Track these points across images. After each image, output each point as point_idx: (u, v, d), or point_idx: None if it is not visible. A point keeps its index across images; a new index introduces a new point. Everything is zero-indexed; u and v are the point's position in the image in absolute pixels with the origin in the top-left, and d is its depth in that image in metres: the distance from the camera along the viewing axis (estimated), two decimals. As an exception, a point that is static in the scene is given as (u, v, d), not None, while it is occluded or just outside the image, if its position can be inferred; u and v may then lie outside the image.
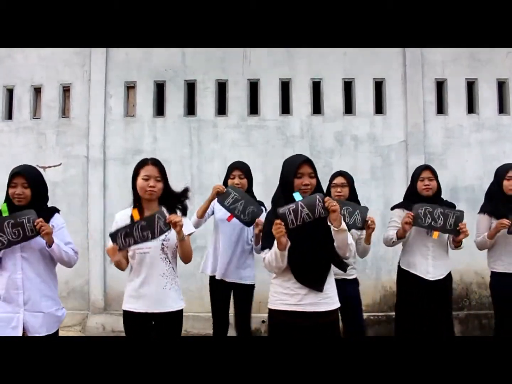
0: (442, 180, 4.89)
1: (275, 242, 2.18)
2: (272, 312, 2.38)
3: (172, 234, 2.46)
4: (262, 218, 2.84)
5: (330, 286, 2.35)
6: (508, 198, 3.30)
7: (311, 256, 2.25)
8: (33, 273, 2.50)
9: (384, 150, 4.89)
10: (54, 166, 5.02)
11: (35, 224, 2.38)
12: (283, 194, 2.33)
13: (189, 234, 2.53)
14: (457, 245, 3.21)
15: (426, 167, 3.35)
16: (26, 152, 5.05)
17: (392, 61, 4.98)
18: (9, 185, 2.50)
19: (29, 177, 2.51)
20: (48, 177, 4.96)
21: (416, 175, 3.34)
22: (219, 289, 3.29)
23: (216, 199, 3.13)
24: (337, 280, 3.19)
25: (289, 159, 2.41)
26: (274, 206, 2.36)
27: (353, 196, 3.26)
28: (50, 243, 2.45)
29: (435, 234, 3.09)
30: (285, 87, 5.06)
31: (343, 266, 2.38)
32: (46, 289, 2.55)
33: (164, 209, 2.47)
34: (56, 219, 2.60)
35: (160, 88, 5.11)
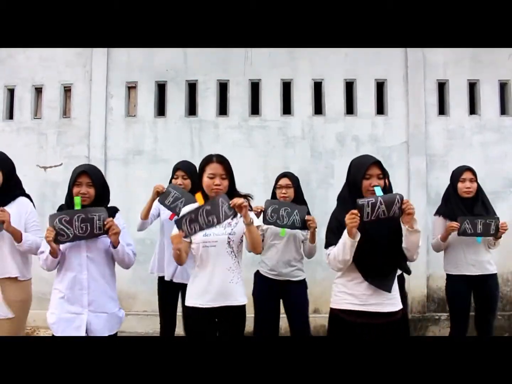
0: (443, 181, 4.89)
1: (343, 234, 2.19)
2: (335, 312, 2.38)
3: (238, 228, 2.43)
4: None
5: (396, 287, 2.36)
6: (463, 200, 3.35)
7: (381, 256, 2.24)
8: (98, 273, 2.46)
9: (385, 151, 4.88)
10: (55, 166, 5.02)
11: (104, 222, 2.35)
12: (350, 194, 2.33)
13: (257, 226, 2.46)
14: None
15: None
16: (27, 152, 5.05)
17: (393, 62, 4.97)
18: (73, 184, 2.44)
19: (94, 176, 2.47)
20: (48, 178, 5.01)
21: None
22: (168, 290, 3.30)
23: (157, 199, 3.16)
24: (283, 282, 3.21)
25: (357, 160, 2.41)
26: (339, 205, 2.38)
27: (298, 197, 3.27)
28: (116, 243, 2.42)
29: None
30: (287, 87, 5.06)
31: (408, 270, 2.39)
32: (109, 290, 2.52)
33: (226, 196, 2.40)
34: (117, 219, 2.53)
35: (161, 89, 5.10)
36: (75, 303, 2.43)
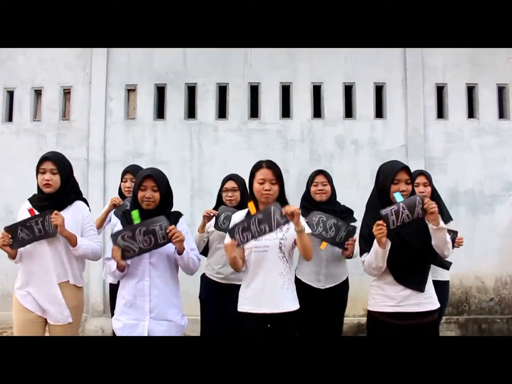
0: (442, 184, 4.93)
1: (374, 243, 2.25)
2: (373, 314, 2.43)
3: (289, 233, 2.43)
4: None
5: (430, 286, 2.40)
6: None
7: (410, 256, 2.30)
8: (160, 280, 2.44)
9: (384, 154, 4.89)
10: (54, 168, 5.02)
11: (167, 231, 2.33)
12: (379, 199, 2.38)
13: (308, 233, 2.45)
14: (348, 256, 3.12)
15: (320, 172, 3.24)
16: (26, 154, 5.04)
17: (392, 65, 4.99)
18: (138, 188, 2.43)
19: (159, 180, 2.44)
20: (48, 180, 4.99)
21: (309, 180, 3.26)
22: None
23: (113, 211, 3.20)
24: (228, 285, 3.18)
25: (386, 165, 2.46)
26: (369, 211, 2.43)
27: (244, 200, 3.21)
28: (181, 250, 2.39)
29: (323, 244, 3.01)
30: (286, 90, 5.07)
31: (446, 264, 2.45)
32: (171, 297, 2.50)
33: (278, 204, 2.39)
34: (181, 224, 2.51)
35: (160, 91, 5.11)
36: (137, 309, 2.42)
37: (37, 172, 2.65)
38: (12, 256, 2.59)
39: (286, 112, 5.05)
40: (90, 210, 2.81)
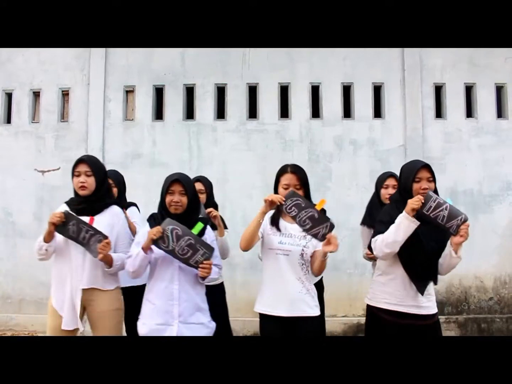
0: (441, 184, 4.91)
1: (399, 216, 2.24)
2: (372, 309, 2.45)
3: (311, 243, 2.45)
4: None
5: (430, 293, 2.43)
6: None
7: (426, 260, 2.32)
8: (188, 284, 2.44)
9: (383, 154, 4.89)
10: (53, 170, 5.02)
11: (204, 262, 2.34)
12: (401, 197, 2.39)
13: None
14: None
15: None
16: (25, 156, 5.05)
17: (391, 65, 5.00)
18: (165, 192, 2.44)
19: (186, 185, 2.45)
20: (46, 181, 5.00)
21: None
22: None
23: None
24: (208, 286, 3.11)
25: (408, 164, 2.47)
26: (393, 203, 2.45)
27: (210, 202, 3.26)
28: (203, 278, 2.41)
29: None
30: (284, 91, 5.07)
31: (436, 281, 2.45)
32: (199, 301, 2.49)
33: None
34: (209, 232, 2.53)
35: (159, 92, 5.11)
36: (166, 314, 2.40)
37: (72, 175, 2.62)
38: (47, 240, 2.51)
39: (284, 112, 5.05)
40: (139, 211, 2.76)
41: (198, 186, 3.23)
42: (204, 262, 2.34)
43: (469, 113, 5.04)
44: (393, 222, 2.27)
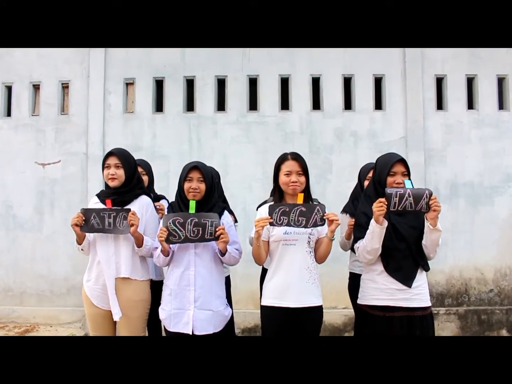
0: (442, 176, 4.94)
1: (371, 222, 2.26)
2: (362, 308, 2.45)
3: (316, 230, 2.47)
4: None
5: (423, 283, 2.39)
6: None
7: (402, 249, 2.32)
8: (205, 270, 2.49)
9: (383, 146, 4.88)
10: (53, 163, 5.02)
11: (216, 229, 2.38)
12: (375, 191, 2.40)
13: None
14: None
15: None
16: (25, 149, 5.05)
17: (392, 57, 4.97)
18: (184, 179, 2.50)
19: (204, 172, 2.51)
20: (47, 174, 5.00)
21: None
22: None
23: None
24: None
25: (383, 158, 2.48)
26: (366, 200, 2.44)
27: (218, 193, 3.23)
28: (224, 251, 2.44)
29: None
30: (285, 83, 5.05)
31: (426, 267, 2.41)
32: (216, 287, 2.53)
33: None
34: (226, 217, 2.58)
35: (159, 85, 5.10)
36: (182, 299, 2.46)
37: (103, 168, 2.70)
38: (80, 241, 2.64)
39: (285, 104, 5.04)
40: (169, 205, 2.80)
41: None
42: (217, 230, 2.38)
43: (470, 105, 5.02)
44: (369, 221, 2.29)
